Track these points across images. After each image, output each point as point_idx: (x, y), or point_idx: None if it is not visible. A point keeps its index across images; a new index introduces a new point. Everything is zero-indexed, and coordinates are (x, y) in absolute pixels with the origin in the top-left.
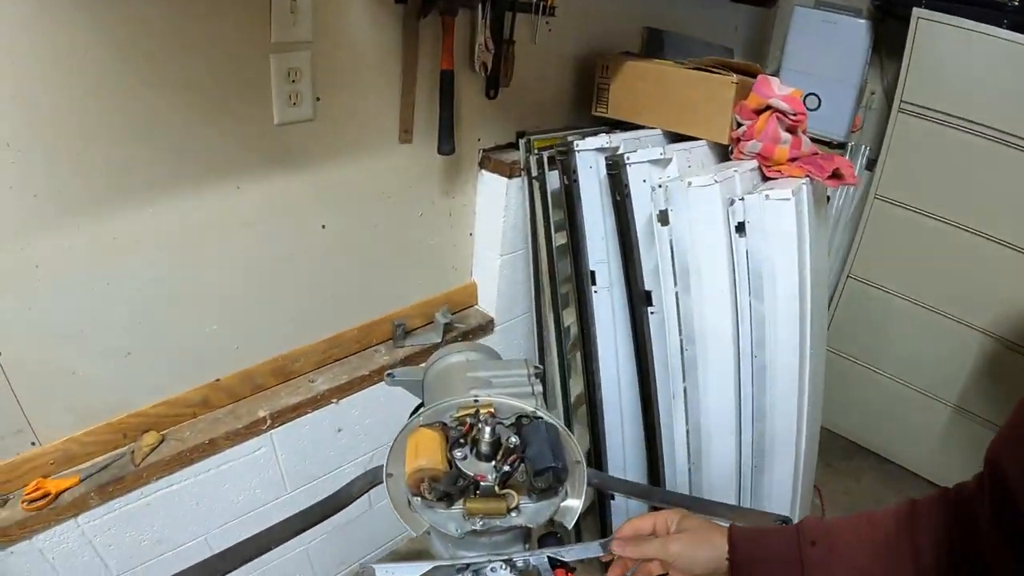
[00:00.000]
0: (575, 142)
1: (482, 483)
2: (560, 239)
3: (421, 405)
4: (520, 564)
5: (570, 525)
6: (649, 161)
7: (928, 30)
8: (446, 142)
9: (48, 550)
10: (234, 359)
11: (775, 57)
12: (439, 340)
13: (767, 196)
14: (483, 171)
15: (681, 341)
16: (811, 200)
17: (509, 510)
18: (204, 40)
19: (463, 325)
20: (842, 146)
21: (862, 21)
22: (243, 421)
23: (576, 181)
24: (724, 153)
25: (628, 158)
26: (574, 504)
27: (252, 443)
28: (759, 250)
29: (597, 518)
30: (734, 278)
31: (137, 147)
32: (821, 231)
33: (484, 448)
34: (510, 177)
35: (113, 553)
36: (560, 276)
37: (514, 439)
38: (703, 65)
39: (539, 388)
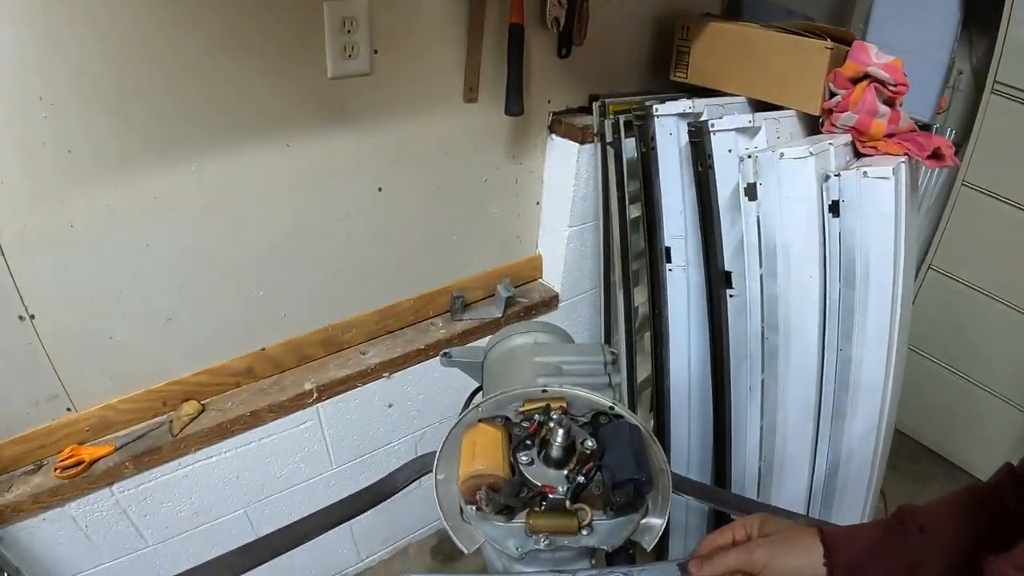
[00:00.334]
0: (654, 106)
1: (550, 495)
2: (634, 212)
3: (480, 389)
4: None
5: (649, 547)
6: (736, 129)
7: None
8: (514, 102)
9: (81, 518)
10: (281, 327)
11: (858, 29)
12: (500, 315)
13: (865, 173)
14: (553, 135)
15: (763, 329)
16: (907, 182)
17: (580, 528)
18: None
19: (525, 300)
20: (926, 127)
21: None
22: (288, 393)
23: (654, 149)
24: (813, 125)
25: (713, 125)
26: (656, 523)
27: (297, 416)
28: (853, 233)
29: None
30: (824, 262)
31: (178, 101)
32: (912, 216)
33: (555, 453)
34: (582, 143)
35: (149, 523)
36: (632, 252)
37: (590, 443)
38: (793, 29)
39: (617, 379)
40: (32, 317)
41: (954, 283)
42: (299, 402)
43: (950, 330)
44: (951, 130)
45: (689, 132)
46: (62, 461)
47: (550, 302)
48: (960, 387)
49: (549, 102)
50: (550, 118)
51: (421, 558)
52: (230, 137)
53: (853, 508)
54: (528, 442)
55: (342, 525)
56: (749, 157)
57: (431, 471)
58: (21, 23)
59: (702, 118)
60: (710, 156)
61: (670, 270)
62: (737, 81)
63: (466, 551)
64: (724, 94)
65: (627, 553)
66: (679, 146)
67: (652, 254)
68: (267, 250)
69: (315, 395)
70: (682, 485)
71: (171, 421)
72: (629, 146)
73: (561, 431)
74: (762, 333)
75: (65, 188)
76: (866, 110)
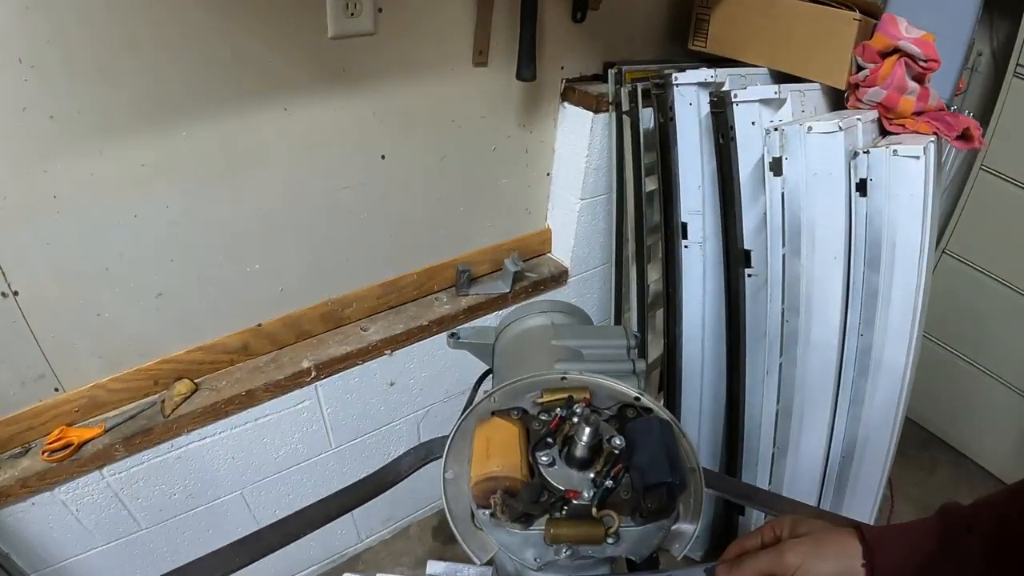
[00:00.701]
0: (674, 75)
1: (574, 501)
2: (650, 185)
3: (490, 371)
4: None
5: (680, 555)
6: (760, 100)
7: None
8: (526, 67)
9: (71, 502)
10: (278, 303)
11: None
12: (507, 290)
13: (895, 152)
14: (566, 103)
15: (783, 310)
16: (935, 163)
17: (606, 536)
18: None
19: (534, 274)
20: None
21: None
22: (286, 371)
23: (672, 119)
24: (838, 100)
25: (735, 95)
26: (688, 529)
27: (295, 395)
28: (880, 214)
29: None
30: (850, 243)
31: (167, 63)
32: (937, 200)
33: (580, 453)
34: (596, 111)
35: (141, 506)
36: (647, 226)
37: (619, 441)
38: None
39: (641, 365)
40: (16, 294)
41: (968, 269)
42: (297, 380)
43: (961, 316)
44: (969, 112)
45: (710, 102)
46: (50, 444)
47: (559, 277)
48: (969, 374)
49: (562, 68)
50: (563, 85)
51: (423, 538)
52: (223, 101)
53: (865, 496)
54: (549, 440)
55: None
56: (776, 130)
57: (436, 458)
58: None
59: (724, 88)
60: (732, 128)
61: (686, 246)
62: (759, 51)
63: (478, 562)
64: (745, 65)
65: (650, 558)
66: (699, 117)
67: (667, 229)
68: (263, 221)
69: (313, 373)
70: (717, 483)
71: (163, 401)
72: (646, 116)
73: (588, 429)
74: (782, 315)
75: (47, 156)
76: (895, 86)
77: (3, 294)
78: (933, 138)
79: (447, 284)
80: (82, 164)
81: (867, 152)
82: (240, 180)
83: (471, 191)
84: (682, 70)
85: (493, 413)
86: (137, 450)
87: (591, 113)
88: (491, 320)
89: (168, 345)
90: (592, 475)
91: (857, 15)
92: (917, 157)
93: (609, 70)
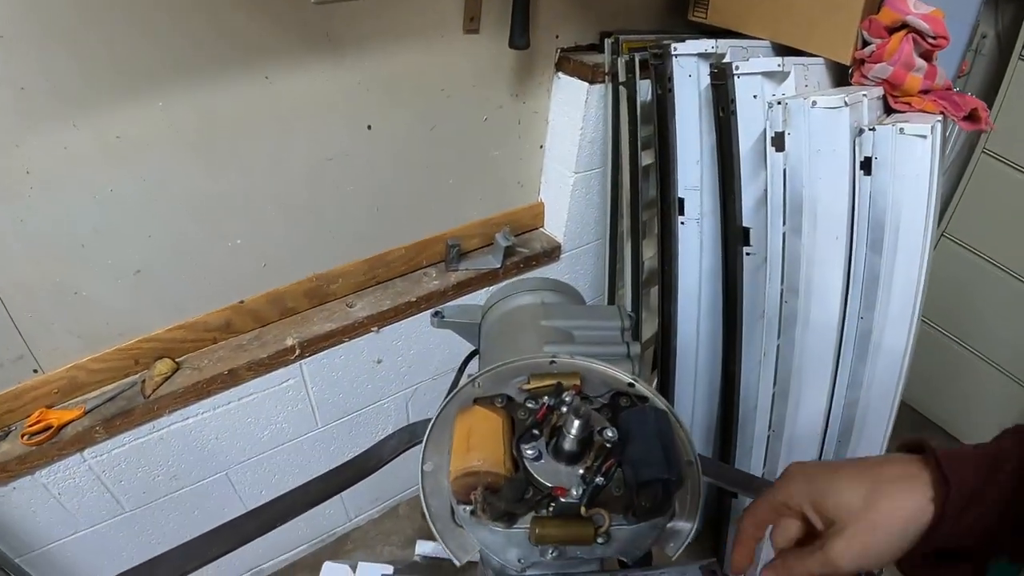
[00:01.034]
0: (673, 45)
1: (562, 498)
2: (646, 159)
3: (476, 353)
4: None
5: (674, 555)
6: (762, 73)
7: None
8: (520, 35)
9: (53, 486)
10: (261, 279)
11: None
12: (498, 265)
13: (902, 130)
14: (560, 73)
15: (782, 291)
16: (940, 143)
17: (596, 536)
18: None
19: (526, 250)
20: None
21: None
22: (269, 349)
23: (671, 91)
24: (842, 75)
25: (737, 68)
26: (685, 527)
27: (279, 374)
28: (884, 194)
29: None
30: (852, 224)
31: (142, 30)
32: (941, 181)
33: (568, 446)
34: (591, 82)
35: (125, 489)
36: (642, 202)
37: (611, 433)
38: None
39: (636, 348)
40: None
41: (966, 252)
42: (281, 359)
43: (958, 300)
44: (972, 95)
45: (711, 74)
46: (30, 427)
47: (552, 253)
48: (964, 358)
49: (557, 37)
50: (558, 55)
51: (412, 517)
52: (201, 70)
53: None
54: (535, 431)
55: None
56: (779, 103)
57: (420, 442)
58: None
59: (725, 59)
60: (733, 101)
61: (682, 223)
62: (761, 23)
63: (458, 562)
64: (746, 37)
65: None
66: (699, 89)
67: (664, 205)
68: (245, 194)
69: (298, 351)
70: (713, 471)
71: (143, 381)
72: (643, 88)
73: (578, 421)
74: (781, 295)
75: (19, 129)
76: (902, 62)
77: None
78: (940, 118)
79: (436, 259)
80: (55, 137)
81: (873, 129)
82: (220, 152)
83: (461, 163)
84: (681, 40)
85: (476, 400)
86: (118, 432)
87: (586, 84)
88: (481, 297)
89: (148, 323)
90: (582, 471)
91: None
92: (924, 136)
93: (606, 39)
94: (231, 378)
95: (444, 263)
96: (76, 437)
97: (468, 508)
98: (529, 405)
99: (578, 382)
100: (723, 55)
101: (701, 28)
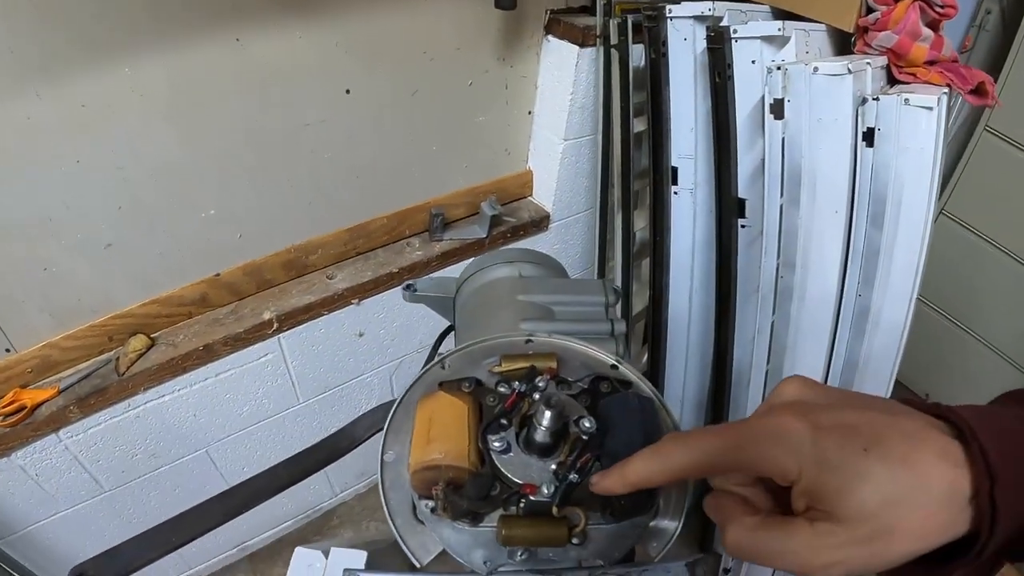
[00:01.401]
0: (667, 7)
1: (531, 496)
2: (638, 126)
3: (452, 329)
4: None
5: (657, 556)
6: (761, 38)
7: None
8: None
9: (30, 467)
10: (237, 250)
11: None
12: (484, 235)
13: (907, 100)
14: (549, 36)
15: (778, 265)
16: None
17: (570, 537)
18: None
19: (513, 219)
20: None
21: None
22: (246, 324)
23: (665, 55)
24: (844, 44)
25: (735, 31)
26: (668, 527)
27: (257, 348)
28: (887, 167)
29: None
30: (853, 197)
31: None
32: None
33: (540, 438)
34: (582, 46)
35: (103, 468)
36: (634, 171)
37: (588, 424)
38: None
39: (622, 327)
40: None
41: (965, 231)
42: (258, 333)
43: (955, 279)
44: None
45: (707, 37)
46: (4, 407)
47: (540, 223)
48: (959, 339)
49: None
50: (547, 16)
51: None
52: (168, 33)
53: None
54: (504, 421)
55: None
56: (778, 69)
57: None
58: None
59: (723, 23)
60: (730, 66)
61: (676, 193)
62: None
63: (418, 564)
64: (745, 0)
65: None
66: (694, 54)
67: (656, 174)
68: (217, 163)
69: (275, 325)
70: None
71: (117, 358)
72: (636, 53)
73: (549, 412)
74: (777, 270)
75: None
76: (908, 31)
77: None
78: (946, 90)
79: (420, 229)
80: (18, 108)
81: (876, 99)
82: (190, 119)
83: (445, 129)
84: (677, 2)
85: (441, 384)
86: (93, 411)
87: (577, 47)
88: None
89: (121, 299)
90: (554, 465)
91: None
92: (930, 108)
93: (597, 1)
94: (207, 353)
95: (428, 233)
96: (51, 417)
97: (429, 504)
98: (501, 390)
99: (554, 365)
100: (720, 18)
101: None
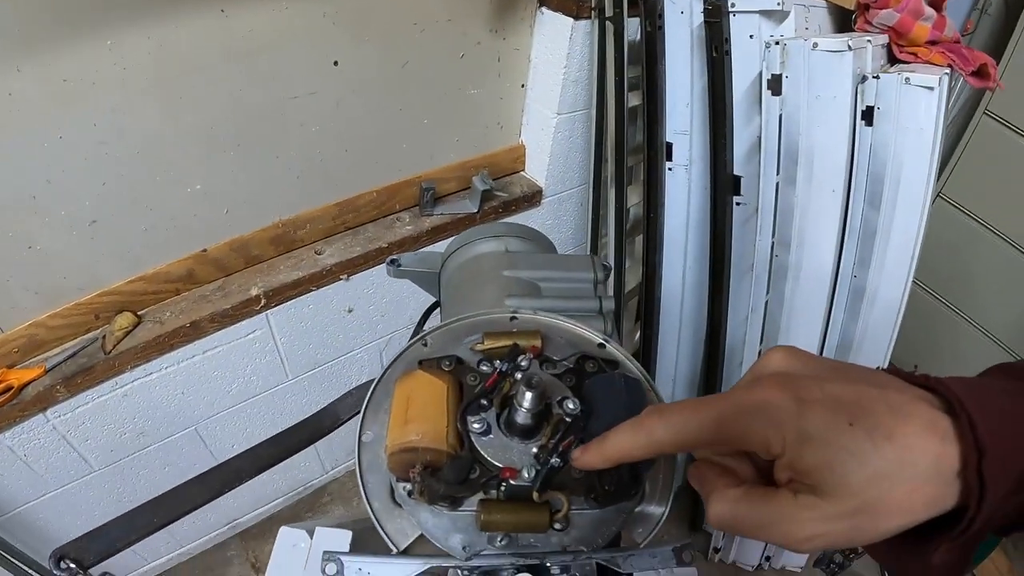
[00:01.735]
0: None
1: (511, 481)
2: (633, 100)
3: (438, 305)
4: (556, 572)
5: (643, 541)
6: (760, 12)
7: None
8: None
9: (18, 447)
10: (224, 225)
11: None
12: (475, 210)
13: (907, 79)
14: (543, 8)
15: (773, 243)
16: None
17: (552, 523)
18: None
19: (505, 194)
20: None
21: None
22: (233, 300)
23: (661, 28)
24: (845, 21)
25: (733, 4)
26: (654, 512)
27: (244, 325)
28: (886, 147)
29: None
30: (851, 176)
31: None
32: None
33: (521, 419)
34: (576, 18)
35: (91, 448)
36: (628, 146)
37: (572, 405)
38: None
39: (610, 304)
40: None
41: (962, 215)
42: (245, 309)
43: (950, 263)
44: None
45: (704, 11)
46: None
47: (532, 198)
48: (953, 322)
49: None
50: None
51: None
52: (151, 5)
53: None
54: (484, 401)
55: None
56: (776, 44)
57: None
58: None
59: None
60: (727, 40)
61: (670, 169)
62: None
63: (395, 548)
64: None
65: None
66: (691, 27)
67: (651, 150)
68: (203, 137)
69: (263, 301)
70: None
71: (104, 336)
72: (632, 26)
73: (530, 393)
74: (772, 249)
75: None
76: (910, 10)
77: None
78: (947, 70)
79: (410, 203)
80: None
81: (877, 77)
82: (174, 92)
83: (436, 102)
84: None
85: (421, 363)
86: (79, 390)
87: (571, 19)
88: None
89: (107, 276)
90: (536, 449)
91: None
92: (931, 88)
93: None
94: (194, 330)
95: (418, 207)
96: (37, 397)
97: (407, 487)
98: (483, 369)
99: (538, 343)
100: None
101: None
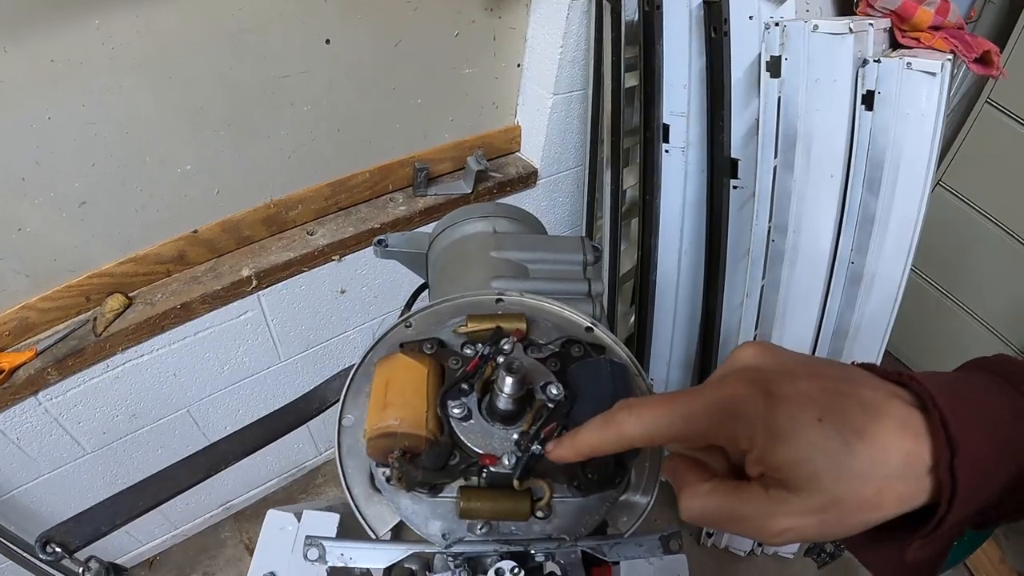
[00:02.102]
0: None
1: (491, 467)
2: (630, 81)
3: (426, 287)
4: (540, 559)
5: (627, 530)
6: None
7: None
8: None
9: (10, 430)
10: (215, 206)
11: None
12: (469, 191)
13: (909, 64)
14: None
15: (770, 228)
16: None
17: (534, 511)
18: None
19: (499, 175)
20: None
21: None
22: (224, 281)
23: (659, 8)
24: (847, 4)
25: None
26: (639, 502)
27: (236, 306)
28: (886, 132)
29: None
30: (849, 161)
31: None
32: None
33: (502, 405)
34: None
35: (84, 430)
36: (624, 127)
37: (555, 391)
38: None
39: (599, 287)
40: None
41: (961, 204)
42: (236, 291)
43: (949, 252)
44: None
45: None
46: None
47: (528, 178)
48: (950, 311)
49: None
50: None
51: None
52: None
53: None
54: (465, 385)
55: None
56: (776, 25)
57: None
58: None
59: None
60: (726, 21)
61: (667, 151)
62: None
63: (374, 535)
64: None
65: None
66: (689, 8)
67: (647, 131)
68: (192, 117)
69: (255, 282)
70: None
71: (95, 319)
72: (630, 5)
73: (510, 379)
74: (768, 233)
75: None
76: None
77: None
78: (950, 57)
79: (403, 184)
80: None
81: (878, 61)
82: (163, 71)
83: (430, 82)
84: None
85: (402, 345)
86: (71, 372)
87: None
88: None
89: (97, 258)
90: (517, 436)
91: None
92: (933, 74)
93: None
94: (185, 312)
95: (412, 188)
96: (29, 380)
97: (387, 472)
98: (467, 352)
99: (522, 326)
100: None
101: None
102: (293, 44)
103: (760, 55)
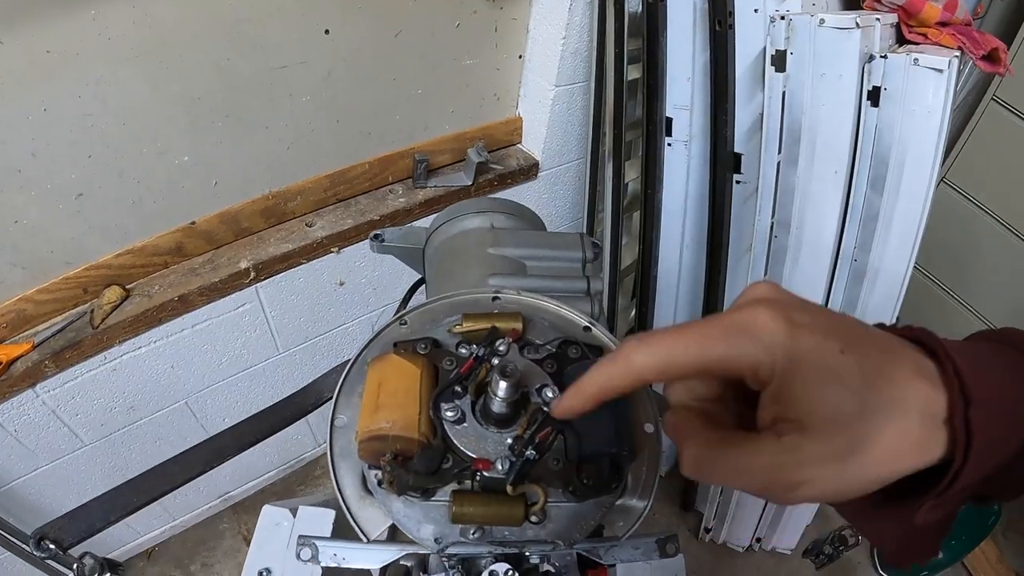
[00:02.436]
0: None
1: (485, 472)
2: (633, 73)
3: (423, 282)
4: (535, 560)
5: (624, 535)
6: None
7: None
8: None
9: (8, 423)
10: (213, 197)
11: None
12: (469, 183)
13: (916, 60)
14: None
15: (772, 224)
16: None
17: (527, 516)
18: None
19: (500, 167)
20: None
21: None
22: (222, 273)
23: (663, 0)
24: None
25: None
26: (636, 506)
27: (234, 299)
28: (891, 129)
29: None
30: (854, 157)
31: None
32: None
33: (496, 408)
34: None
35: (82, 422)
36: (627, 120)
37: (551, 393)
38: None
39: (598, 285)
40: None
41: (965, 202)
42: (234, 283)
43: (952, 250)
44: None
45: None
46: None
47: (529, 171)
48: (952, 309)
49: None
50: None
51: None
52: None
53: None
54: (459, 387)
55: None
56: (782, 18)
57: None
58: None
59: None
60: (731, 14)
61: (669, 145)
62: None
63: (365, 539)
64: None
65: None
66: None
67: (650, 125)
68: (190, 107)
69: (253, 274)
70: None
71: (92, 311)
72: None
73: (504, 383)
74: (771, 229)
75: None
76: None
77: None
78: (958, 53)
79: (403, 175)
80: None
81: (885, 57)
82: (160, 62)
83: (430, 72)
84: None
85: (396, 345)
86: (68, 365)
87: None
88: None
89: (95, 250)
90: (511, 440)
91: None
92: (941, 70)
93: None
94: (183, 304)
95: (411, 180)
96: (26, 372)
97: (379, 475)
98: (462, 352)
99: (518, 326)
100: None
101: None
102: (292, 34)
103: (765, 49)
